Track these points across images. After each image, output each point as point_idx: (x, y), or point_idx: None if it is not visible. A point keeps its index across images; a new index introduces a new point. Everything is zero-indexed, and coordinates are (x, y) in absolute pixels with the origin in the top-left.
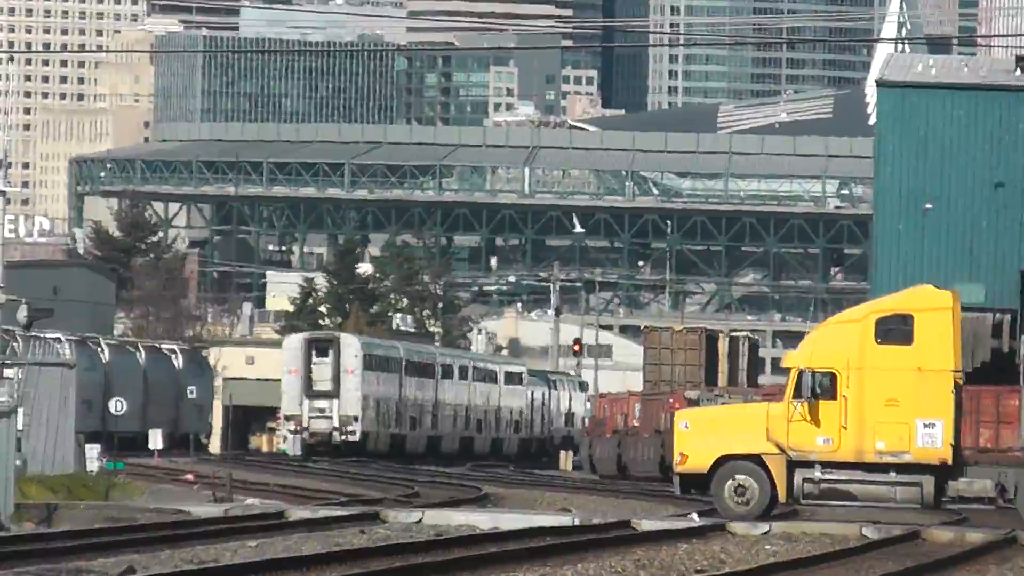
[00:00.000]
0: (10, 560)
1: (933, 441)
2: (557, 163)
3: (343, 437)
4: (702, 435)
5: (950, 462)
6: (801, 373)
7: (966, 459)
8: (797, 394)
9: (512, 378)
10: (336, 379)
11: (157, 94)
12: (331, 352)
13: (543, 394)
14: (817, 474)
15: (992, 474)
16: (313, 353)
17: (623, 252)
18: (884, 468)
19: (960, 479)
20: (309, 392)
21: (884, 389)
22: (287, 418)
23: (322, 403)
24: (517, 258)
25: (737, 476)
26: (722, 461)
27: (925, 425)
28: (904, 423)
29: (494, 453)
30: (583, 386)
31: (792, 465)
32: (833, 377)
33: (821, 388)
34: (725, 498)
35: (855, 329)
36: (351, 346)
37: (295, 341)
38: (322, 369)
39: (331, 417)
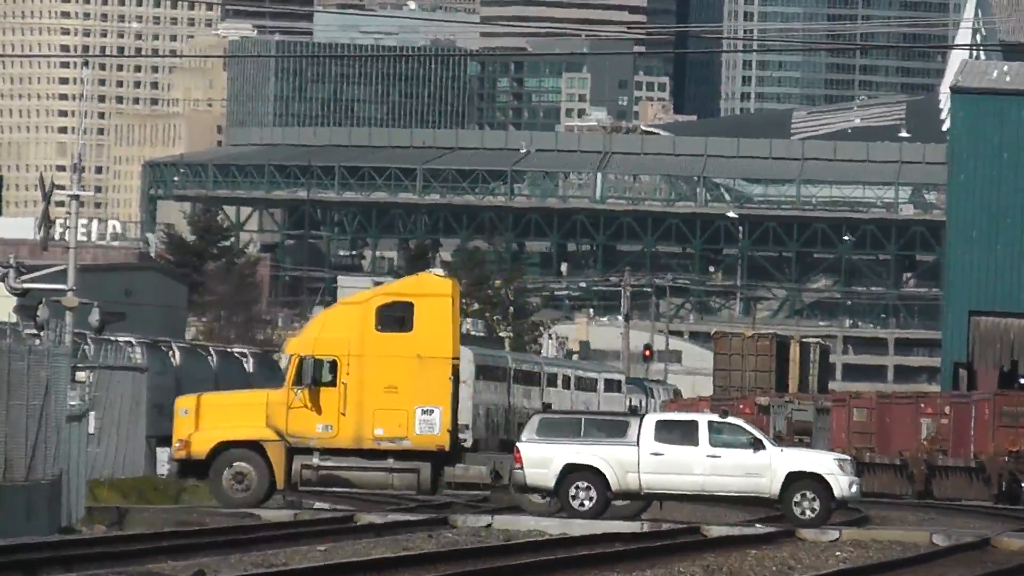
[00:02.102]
0: (81, 562)
1: (431, 428)
2: (629, 169)
3: None
4: (202, 422)
5: (448, 448)
6: (302, 360)
7: (463, 446)
8: (298, 381)
9: (611, 385)
10: None
11: (230, 99)
12: None
13: (640, 401)
14: (316, 461)
15: (486, 460)
16: None
17: (694, 258)
18: (383, 454)
19: (457, 465)
20: None
21: (384, 376)
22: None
23: None
24: (588, 263)
25: (236, 463)
26: (221, 448)
27: (424, 412)
28: (403, 410)
29: None
30: (677, 393)
31: (292, 452)
32: (334, 364)
33: (322, 375)
34: (223, 485)
35: (356, 316)
36: (464, 356)
37: None
38: None
39: None
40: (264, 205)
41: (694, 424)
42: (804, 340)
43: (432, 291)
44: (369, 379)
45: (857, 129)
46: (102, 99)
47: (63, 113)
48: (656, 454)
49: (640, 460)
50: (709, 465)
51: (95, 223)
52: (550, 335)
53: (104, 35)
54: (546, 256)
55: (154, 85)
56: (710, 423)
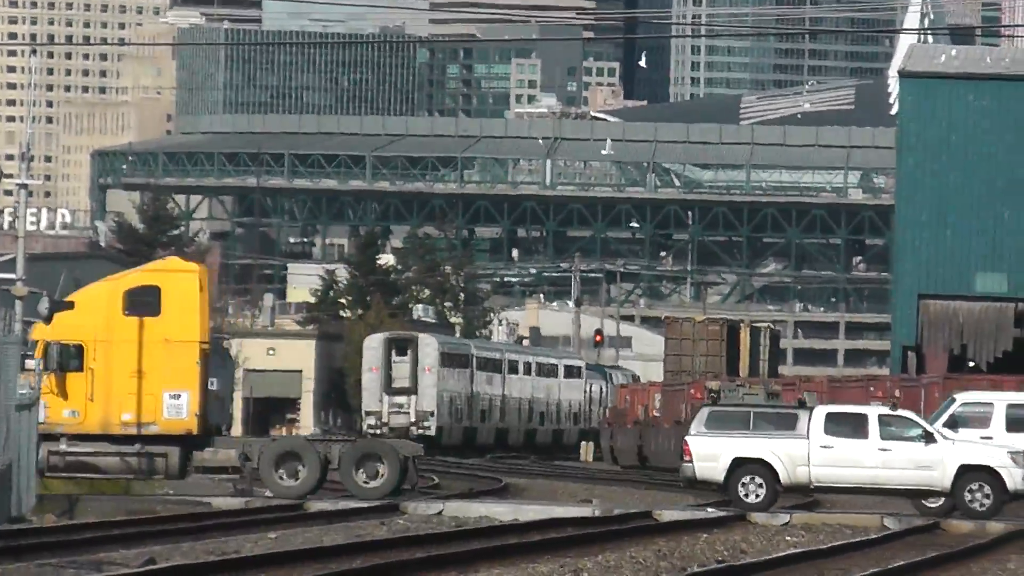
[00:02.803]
0: (32, 552)
1: (179, 412)
2: (579, 155)
3: (419, 431)
4: None
5: (196, 432)
6: (48, 345)
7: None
8: (45, 367)
9: (571, 372)
10: (414, 376)
11: (179, 87)
12: (410, 351)
13: (600, 387)
14: (63, 447)
15: (237, 444)
16: (393, 352)
17: (644, 243)
18: (131, 439)
19: (206, 449)
20: (389, 389)
21: (132, 360)
22: (367, 413)
23: (401, 399)
24: (539, 249)
25: None
26: None
27: (172, 396)
28: (151, 394)
29: (556, 443)
30: (636, 378)
31: (40, 439)
32: (80, 349)
33: (68, 360)
34: None
35: (103, 301)
36: (429, 345)
37: (376, 340)
38: (401, 367)
39: (409, 413)
40: (214, 193)
41: (864, 417)
42: (754, 324)
43: (180, 275)
44: (117, 364)
45: (806, 114)
46: (50, 87)
47: (11, 102)
48: (826, 447)
49: (810, 453)
50: (880, 458)
51: (44, 212)
52: (500, 321)
53: (52, 23)
54: (496, 242)
55: (103, 73)
56: (880, 416)
